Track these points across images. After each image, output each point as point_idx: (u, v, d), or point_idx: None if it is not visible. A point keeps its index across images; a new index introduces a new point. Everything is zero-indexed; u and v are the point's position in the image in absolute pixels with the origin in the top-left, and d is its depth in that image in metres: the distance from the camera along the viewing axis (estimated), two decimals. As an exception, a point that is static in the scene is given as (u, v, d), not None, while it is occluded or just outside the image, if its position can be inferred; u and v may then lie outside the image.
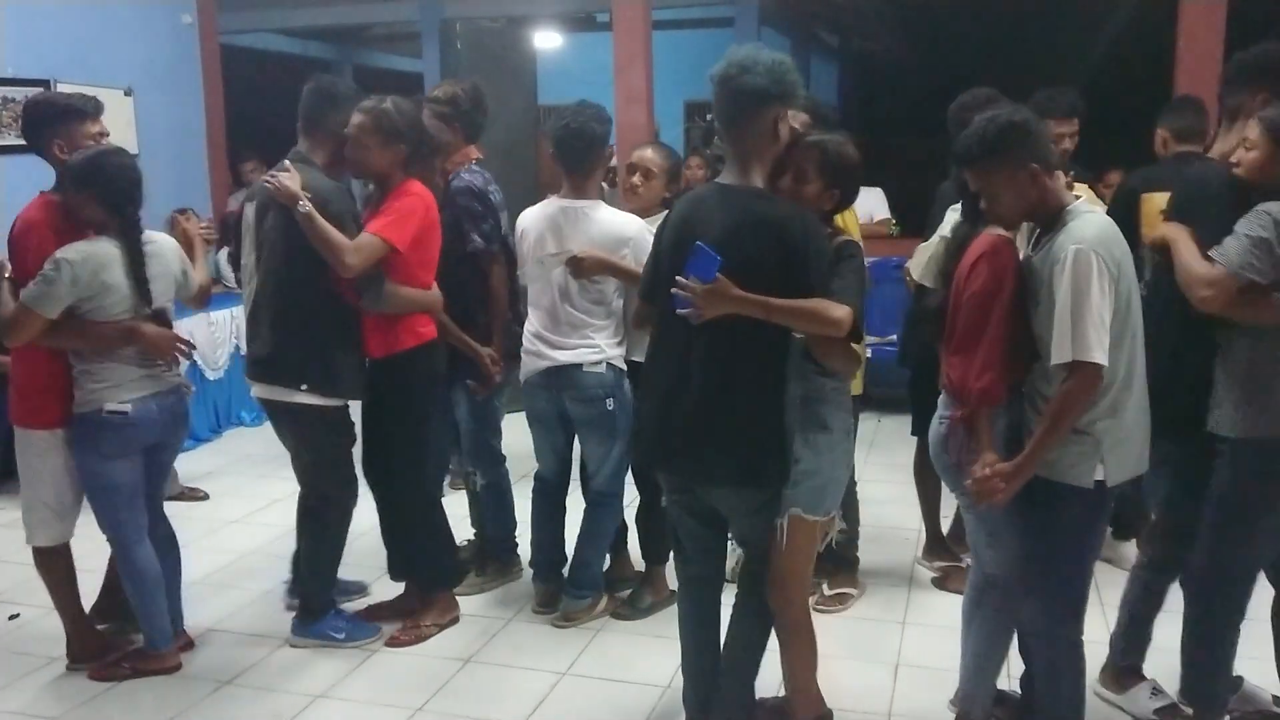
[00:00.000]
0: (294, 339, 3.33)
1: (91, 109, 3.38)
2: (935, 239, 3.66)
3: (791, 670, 2.84)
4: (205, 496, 5.16)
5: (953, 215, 3.79)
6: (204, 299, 3.57)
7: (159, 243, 3.30)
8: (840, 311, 2.48)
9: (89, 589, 3.55)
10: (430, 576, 3.72)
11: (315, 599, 3.58)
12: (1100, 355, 2.38)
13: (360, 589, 3.96)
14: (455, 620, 3.69)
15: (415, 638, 3.56)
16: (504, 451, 4.05)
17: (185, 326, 5.89)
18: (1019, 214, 2.56)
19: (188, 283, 3.42)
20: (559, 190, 3.60)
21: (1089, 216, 2.50)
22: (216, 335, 6.31)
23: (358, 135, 3.32)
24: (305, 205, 3.20)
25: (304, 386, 3.33)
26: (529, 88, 7.05)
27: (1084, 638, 3.21)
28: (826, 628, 3.64)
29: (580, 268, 3.43)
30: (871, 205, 5.63)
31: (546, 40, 9.48)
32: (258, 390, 3.48)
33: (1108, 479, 2.49)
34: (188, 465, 5.55)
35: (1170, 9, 6.41)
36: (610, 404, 3.52)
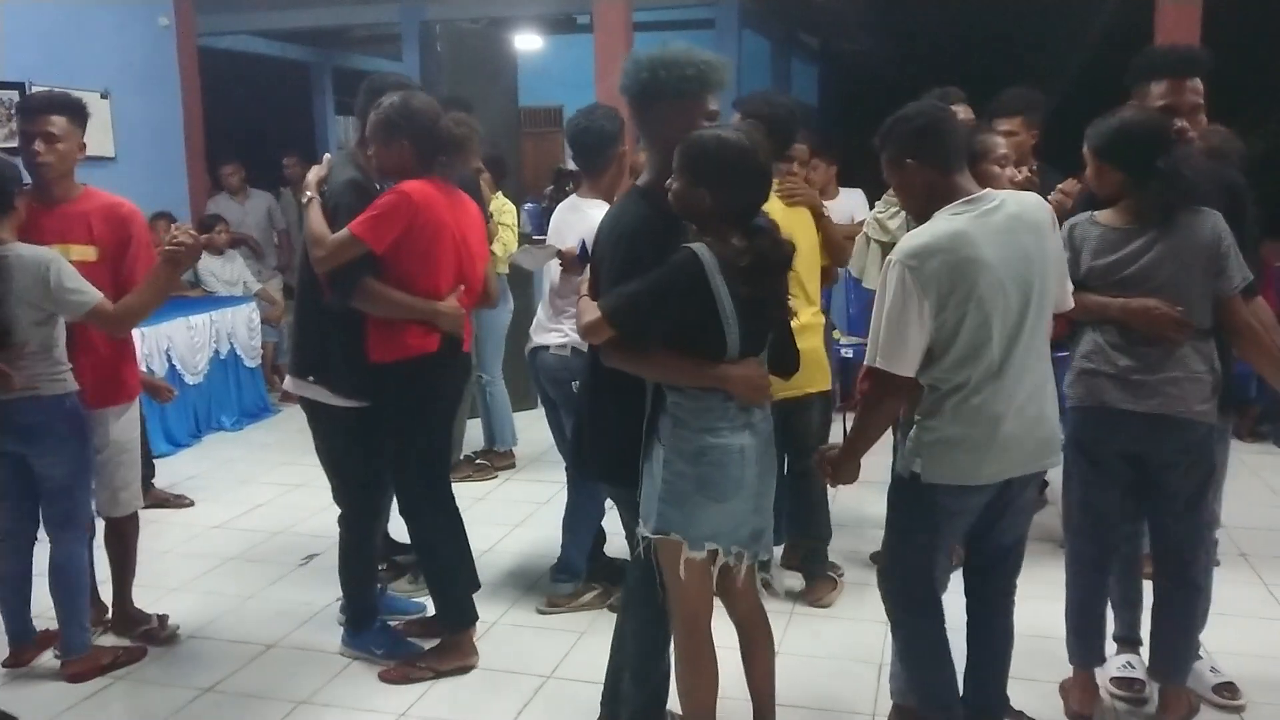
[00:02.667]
0: (305, 333, 3.38)
1: None
2: (860, 237, 3.87)
3: (680, 700, 2.63)
4: (191, 504, 5.07)
5: (870, 215, 3.92)
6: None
7: (8, 256, 3.07)
8: (589, 316, 2.39)
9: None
10: (438, 612, 3.49)
11: (352, 608, 3.49)
12: (891, 364, 2.39)
13: (419, 609, 3.74)
14: (465, 669, 3.36)
15: (402, 677, 3.32)
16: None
17: (164, 331, 5.90)
18: (914, 207, 2.59)
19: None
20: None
21: (932, 224, 2.43)
22: (196, 340, 6.23)
23: (369, 133, 3.25)
24: (308, 195, 3.24)
25: (311, 378, 3.32)
26: (509, 89, 7.05)
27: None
28: (810, 626, 3.68)
29: (565, 262, 3.61)
30: (852, 206, 5.61)
31: (527, 42, 9.49)
32: (285, 382, 3.55)
33: (923, 476, 2.47)
34: (169, 470, 5.52)
35: (1147, 9, 6.47)
36: (576, 387, 3.55)
